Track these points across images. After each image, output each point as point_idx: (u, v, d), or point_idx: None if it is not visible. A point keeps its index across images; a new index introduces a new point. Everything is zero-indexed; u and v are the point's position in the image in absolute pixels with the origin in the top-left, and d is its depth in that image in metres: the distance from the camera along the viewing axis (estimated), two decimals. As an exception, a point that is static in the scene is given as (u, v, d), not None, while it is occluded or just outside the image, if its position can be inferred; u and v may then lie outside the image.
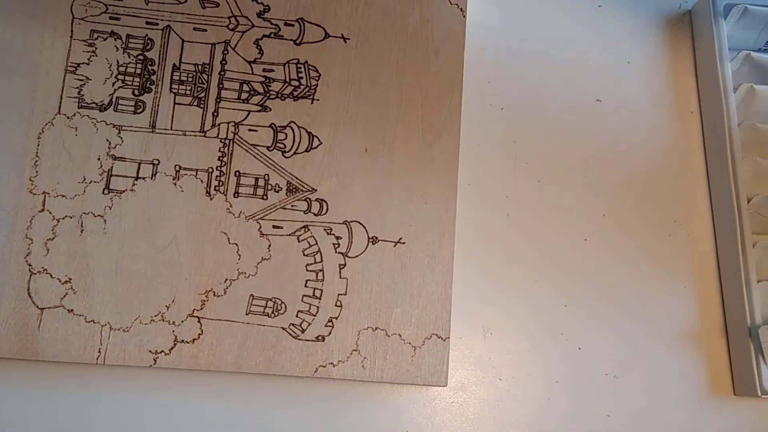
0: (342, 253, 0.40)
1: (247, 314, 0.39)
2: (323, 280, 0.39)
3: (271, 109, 0.42)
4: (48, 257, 0.38)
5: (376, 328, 0.39)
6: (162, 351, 0.38)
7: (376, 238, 0.40)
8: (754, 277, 0.43)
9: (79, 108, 0.40)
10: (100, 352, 0.37)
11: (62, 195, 0.39)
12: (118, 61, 0.41)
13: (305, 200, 0.41)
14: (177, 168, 0.40)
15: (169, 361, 0.37)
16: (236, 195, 0.40)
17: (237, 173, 0.40)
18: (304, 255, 0.40)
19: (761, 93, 0.46)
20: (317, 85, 0.42)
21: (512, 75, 0.48)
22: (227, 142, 0.41)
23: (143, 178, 0.40)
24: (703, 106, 0.49)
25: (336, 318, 0.39)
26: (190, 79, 0.41)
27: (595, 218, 0.46)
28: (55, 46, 0.41)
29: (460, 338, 0.43)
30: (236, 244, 0.39)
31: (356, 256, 0.40)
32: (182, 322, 0.38)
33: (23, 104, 0.40)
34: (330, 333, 0.39)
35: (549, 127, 0.47)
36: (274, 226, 0.40)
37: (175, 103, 0.41)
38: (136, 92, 0.41)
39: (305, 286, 0.39)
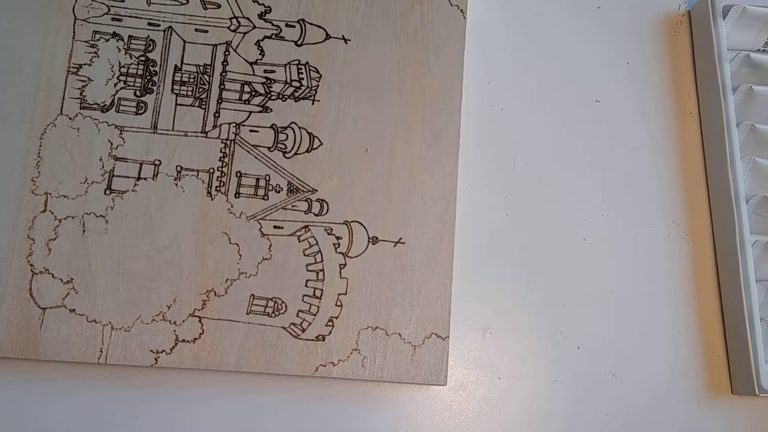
0: (342, 253, 0.40)
1: (247, 314, 0.39)
2: (324, 279, 0.40)
3: (272, 110, 0.42)
4: (50, 257, 0.38)
5: (376, 328, 0.39)
6: (163, 350, 0.38)
7: (376, 238, 0.40)
8: (753, 276, 0.43)
9: (81, 109, 0.40)
10: (101, 351, 0.37)
11: (64, 195, 0.39)
12: (119, 62, 0.41)
13: (306, 200, 0.41)
14: (178, 168, 0.40)
15: (170, 361, 0.38)
16: (237, 195, 0.40)
17: (238, 174, 0.41)
18: (304, 255, 0.40)
19: (760, 94, 0.46)
20: (318, 86, 0.42)
21: (512, 75, 0.48)
22: (228, 142, 0.41)
23: (145, 179, 0.40)
24: (702, 107, 0.49)
25: (336, 317, 0.39)
26: (191, 80, 0.42)
27: (594, 218, 0.46)
28: (57, 47, 0.41)
29: (459, 338, 0.43)
30: (237, 244, 0.40)
31: (356, 256, 0.40)
32: (183, 321, 0.38)
33: (25, 105, 0.40)
34: (330, 332, 0.39)
35: (548, 128, 0.48)
36: (274, 227, 0.40)
37: (176, 104, 0.41)
38: (138, 93, 0.41)
39: (306, 285, 0.39)
